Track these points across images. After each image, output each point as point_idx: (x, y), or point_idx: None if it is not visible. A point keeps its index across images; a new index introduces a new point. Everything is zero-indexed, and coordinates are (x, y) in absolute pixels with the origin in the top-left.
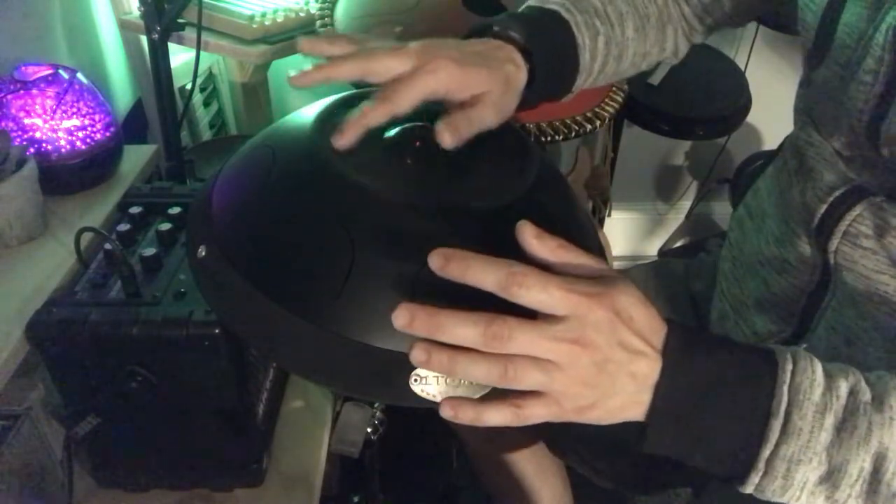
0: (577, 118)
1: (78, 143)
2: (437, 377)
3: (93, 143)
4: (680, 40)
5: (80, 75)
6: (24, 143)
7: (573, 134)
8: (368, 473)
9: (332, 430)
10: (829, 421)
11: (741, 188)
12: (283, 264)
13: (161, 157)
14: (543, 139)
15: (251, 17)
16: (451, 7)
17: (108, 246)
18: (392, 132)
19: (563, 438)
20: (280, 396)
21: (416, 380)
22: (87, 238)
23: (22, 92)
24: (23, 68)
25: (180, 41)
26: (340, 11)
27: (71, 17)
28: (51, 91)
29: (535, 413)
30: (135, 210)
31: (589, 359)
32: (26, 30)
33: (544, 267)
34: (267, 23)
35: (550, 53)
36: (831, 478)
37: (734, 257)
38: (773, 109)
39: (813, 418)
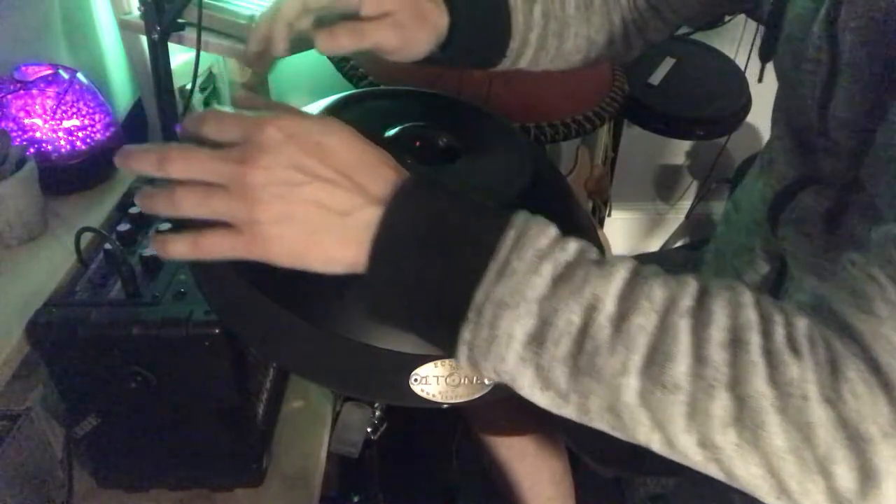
0: (577, 118)
1: (78, 143)
2: (437, 377)
3: (93, 143)
4: (632, 34)
5: (80, 75)
6: (24, 143)
7: (573, 134)
8: (368, 473)
9: (332, 430)
10: (547, 268)
11: None
12: None
13: None
14: (543, 139)
15: (251, 17)
16: None
17: (108, 246)
18: (392, 132)
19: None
20: (280, 396)
21: (416, 380)
22: (87, 238)
23: (22, 92)
24: (23, 68)
25: (180, 41)
26: None
27: (71, 18)
28: (51, 91)
29: (212, 243)
30: (135, 210)
31: (255, 179)
32: (26, 30)
33: None
34: None
35: (476, 5)
36: (539, 335)
37: (717, 249)
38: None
39: (531, 262)
